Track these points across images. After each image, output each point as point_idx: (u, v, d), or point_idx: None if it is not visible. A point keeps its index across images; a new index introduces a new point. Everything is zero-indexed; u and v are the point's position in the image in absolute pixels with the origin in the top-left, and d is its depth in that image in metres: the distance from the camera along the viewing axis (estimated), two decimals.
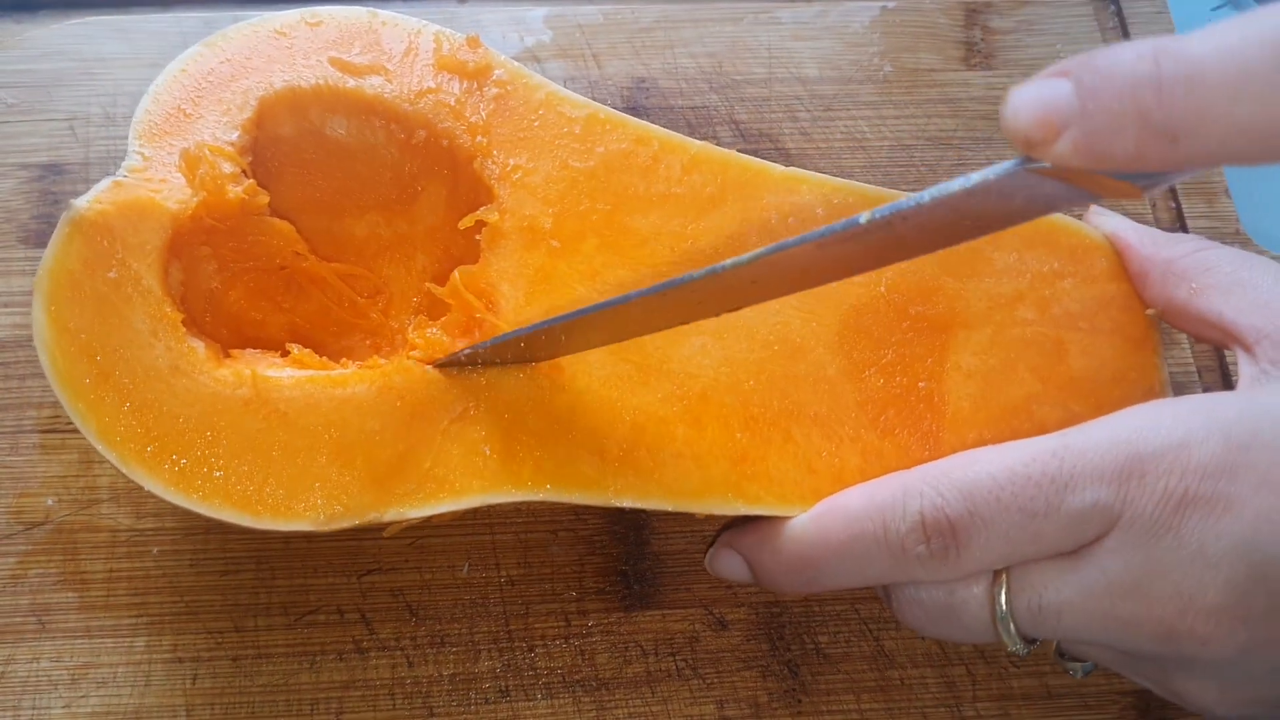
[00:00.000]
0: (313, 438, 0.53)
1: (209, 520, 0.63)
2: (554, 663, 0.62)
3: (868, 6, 0.80)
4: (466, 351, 0.55)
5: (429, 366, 0.55)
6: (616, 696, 0.62)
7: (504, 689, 0.61)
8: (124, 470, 0.52)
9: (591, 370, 0.56)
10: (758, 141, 0.75)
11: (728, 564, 0.58)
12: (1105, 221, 0.61)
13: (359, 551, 0.64)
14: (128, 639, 0.61)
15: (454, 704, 0.61)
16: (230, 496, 0.52)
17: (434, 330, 0.56)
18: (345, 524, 0.52)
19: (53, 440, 0.65)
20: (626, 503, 0.54)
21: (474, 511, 0.64)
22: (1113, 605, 0.48)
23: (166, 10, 0.76)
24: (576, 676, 0.62)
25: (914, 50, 0.79)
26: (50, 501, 0.64)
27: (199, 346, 0.54)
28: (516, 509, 0.65)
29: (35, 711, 0.60)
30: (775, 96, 0.77)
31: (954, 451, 0.56)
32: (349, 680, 0.61)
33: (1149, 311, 0.59)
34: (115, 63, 0.75)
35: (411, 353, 0.55)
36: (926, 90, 0.78)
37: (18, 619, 0.61)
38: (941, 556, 0.50)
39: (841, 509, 0.53)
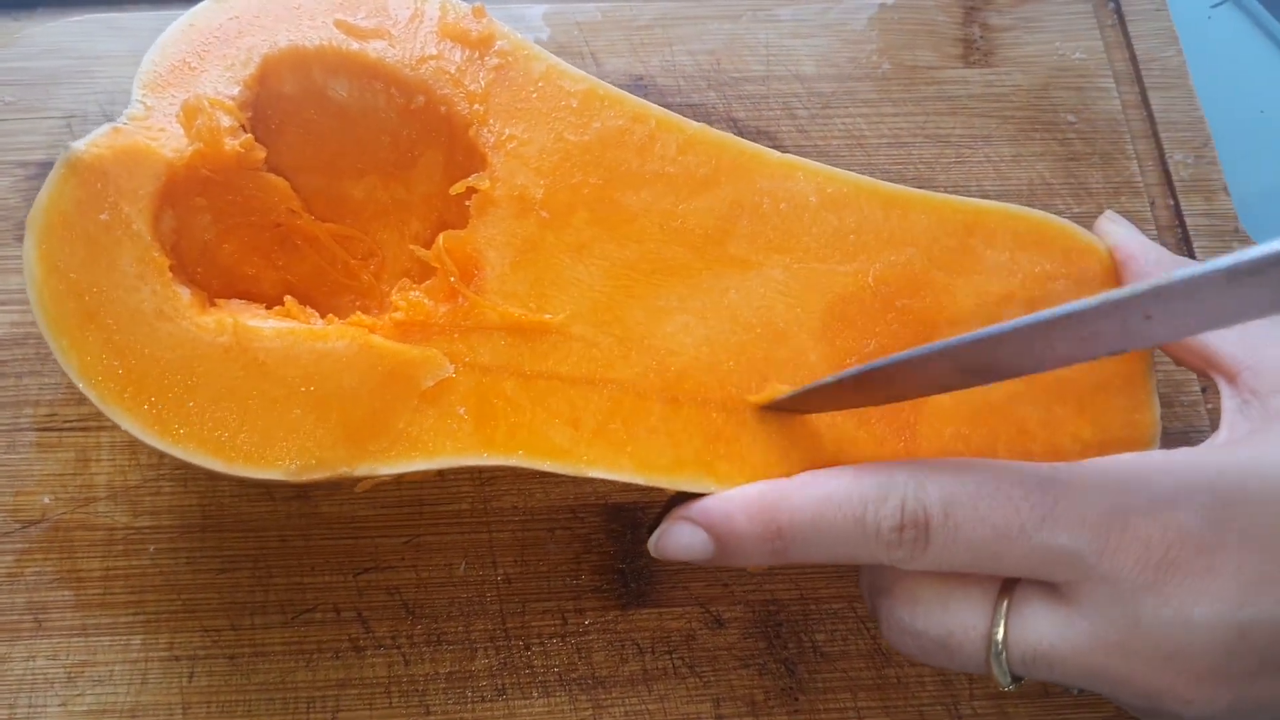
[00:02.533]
0: (290, 389, 0.53)
1: (204, 516, 0.63)
2: (550, 661, 0.62)
3: (866, 4, 0.80)
4: (791, 395, 0.55)
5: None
6: (613, 695, 0.62)
7: (500, 687, 0.61)
8: (102, 408, 0.52)
9: (572, 341, 0.56)
10: (755, 139, 0.74)
11: (687, 538, 0.54)
12: (1114, 229, 0.61)
13: (356, 550, 0.64)
14: (124, 637, 0.61)
15: (450, 702, 0.61)
16: (205, 441, 0.52)
17: (416, 293, 0.57)
18: (316, 476, 0.53)
19: (49, 438, 0.65)
20: (597, 473, 0.55)
21: (471, 510, 0.65)
22: (1100, 663, 0.48)
23: (164, 8, 0.76)
24: (573, 674, 0.62)
25: (912, 48, 0.79)
26: (47, 499, 0.64)
27: (184, 293, 0.54)
28: (514, 507, 0.65)
29: (31, 709, 0.60)
30: (773, 94, 0.77)
31: (930, 445, 0.56)
32: (345, 678, 0.61)
33: None
34: (112, 60, 0.75)
35: (394, 314, 0.56)
36: (925, 88, 0.78)
37: (14, 617, 0.61)
38: (910, 547, 0.49)
39: (826, 481, 0.52)
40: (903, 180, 0.74)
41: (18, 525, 0.63)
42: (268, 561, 0.63)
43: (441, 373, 0.55)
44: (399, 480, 0.64)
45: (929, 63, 0.79)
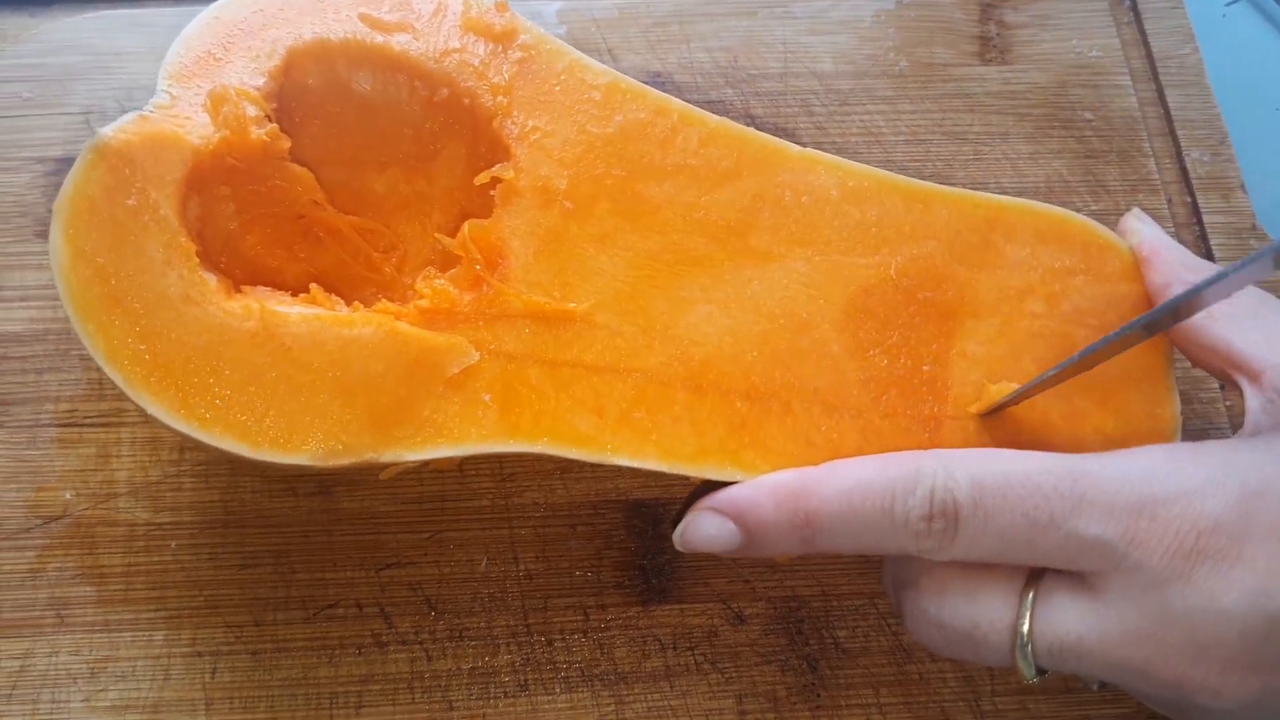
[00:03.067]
0: (316, 374, 0.53)
1: (226, 512, 0.64)
2: (573, 656, 0.62)
3: (882, 1, 0.80)
4: (1021, 390, 0.56)
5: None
6: (635, 690, 0.62)
7: (523, 683, 0.62)
8: (129, 393, 0.52)
9: (596, 330, 0.56)
10: (773, 135, 0.75)
11: (714, 528, 0.54)
12: (1139, 228, 0.61)
13: (377, 545, 0.64)
14: (146, 633, 0.61)
15: (473, 698, 0.61)
16: (231, 426, 0.52)
17: (441, 281, 0.57)
18: (343, 461, 0.53)
19: (70, 434, 0.65)
20: (621, 461, 0.55)
21: (492, 506, 0.65)
22: (1128, 653, 0.48)
23: (182, 4, 0.76)
24: (595, 670, 0.62)
25: (929, 45, 0.79)
26: (68, 495, 0.64)
27: (210, 279, 0.54)
28: (535, 503, 0.65)
29: (54, 704, 0.60)
30: (790, 91, 0.77)
31: (954, 436, 0.57)
32: (368, 674, 0.61)
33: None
34: (130, 56, 0.75)
35: (419, 301, 0.56)
36: (941, 85, 0.78)
37: (36, 612, 0.61)
38: (938, 537, 0.50)
39: (854, 469, 0.52)
40: (921, 177, 0.73)
41: (39, 521, 0.63)
42: (290, 557, 0.63)
43: (467, 359, 0.55)
44: (420, 474, 0.65)
45: (946, 60, 0.79)
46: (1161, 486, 0.48)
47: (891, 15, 0.80)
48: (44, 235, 0.69)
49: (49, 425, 0.65)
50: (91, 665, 0.61)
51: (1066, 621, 0.49)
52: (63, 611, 0.62)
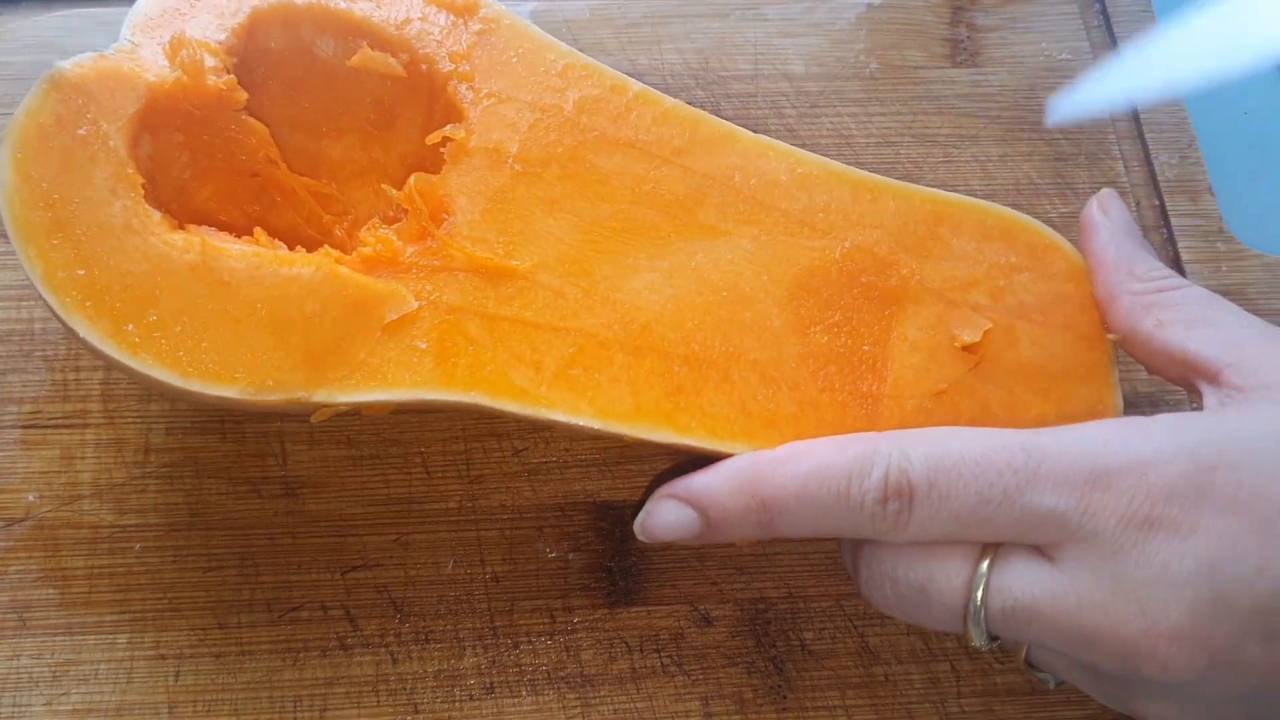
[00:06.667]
0: (252, 309, 0.54)
1: (191, 514, 0.63)
2: (539, 659, 0.62)
3: (854, 3, 0.80)
4: None
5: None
6: (601, 693, 0.62)
7: (489, 686, 0.61)
8: (63, 317, 0.52)
9: (538, 289, 0.57)
10: None
11: (673, 515, 0.54)
12: (1098, 227, 0.60)
13: (343, 548, 0.63)
14: (110, 636, 0.61)
15: (438, 701, 0.61)
16: (163, 355, 0.53)
17: (385, 230, 0.58)
18: (273, 398, 0.53)
19: (34, 436, 0.64)
20: (557, 417, 0.55)
21: (459, 508, 0.65)
22: (1080, 620, 0.48)
23: None
24: (561, 673, 0.62)
25: (900, 47, 0.79)
26: (31, 497, 0.63)
27: (154, 213, 0.55)
28: (502, 505, 0.65)
29: (16, 709, 0.59)
30: (761, 93, 0.77)
31: (892, 416, 0.57)
32: (333, 677, 0.61)
33: (1110, 336, 0.59)
34: None
35: (362, 249, 0.57)
36: (912, 87, 0.78)
37: None
38: (894, 518, 0.50)
39: (811, 453, 0.53)
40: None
41: (1, 523, 0.63)
42: (255, 560, 0.63)
43: (405, 307, 0.55)
44: (386, 476, 0.64)
45: (916, 63, 0.79)
46: (1115, 457, 0.48)
47: (863, 18, 0.80)
48: (5, 236, 0.68)
49: (12, 427, 0.65)
50: (54, 669, 0.60)
51: (1021, 584, 0.49)
52: (24, 614, 0.61)
